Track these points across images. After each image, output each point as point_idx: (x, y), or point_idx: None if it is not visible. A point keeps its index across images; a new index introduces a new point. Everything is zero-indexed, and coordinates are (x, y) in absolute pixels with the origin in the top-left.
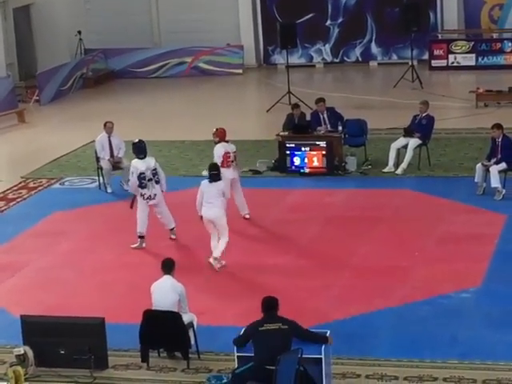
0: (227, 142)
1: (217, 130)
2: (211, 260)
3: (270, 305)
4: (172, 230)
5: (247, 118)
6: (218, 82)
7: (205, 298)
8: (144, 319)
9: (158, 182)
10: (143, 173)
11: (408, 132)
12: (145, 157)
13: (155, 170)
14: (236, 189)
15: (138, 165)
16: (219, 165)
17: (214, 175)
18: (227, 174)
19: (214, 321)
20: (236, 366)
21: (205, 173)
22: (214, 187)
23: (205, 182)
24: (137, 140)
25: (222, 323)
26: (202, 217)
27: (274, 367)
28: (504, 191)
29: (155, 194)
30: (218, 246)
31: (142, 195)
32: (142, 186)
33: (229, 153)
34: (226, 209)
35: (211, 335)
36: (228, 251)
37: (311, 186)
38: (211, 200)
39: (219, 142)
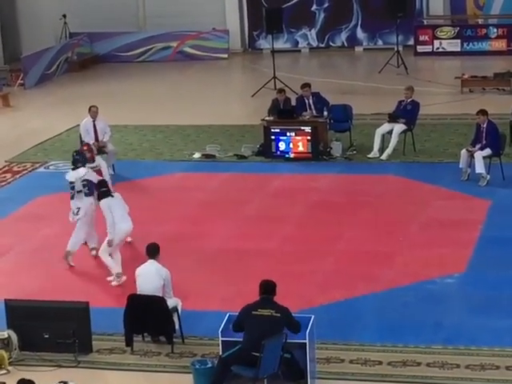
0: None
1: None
2: (116, 281)
3: (267, 288)
4: (92, 249)
5: (232, 103)
6: (203, 66)
7: (189, 283)
8: (128, 303)
9: (87, 195)
10: (72, 182)
11: (393, 117)
12: (76, 168)
13: (86, 180)
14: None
15: (68, 175)
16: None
17: (107, 191)
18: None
19: (199, 305)
20: (220, 350)
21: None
22: (117, 199)
23: (105, 200)
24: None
25: (207, 308)
26: (112, 241)
27: (259, 354)
28: (488, 177)
29: (78, 209)
30: (117, 262)
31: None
32: (71, 196)
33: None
34: None
35: (196, 320)
36: (214, 236)
37: (296, 171)
38: (124, 212)
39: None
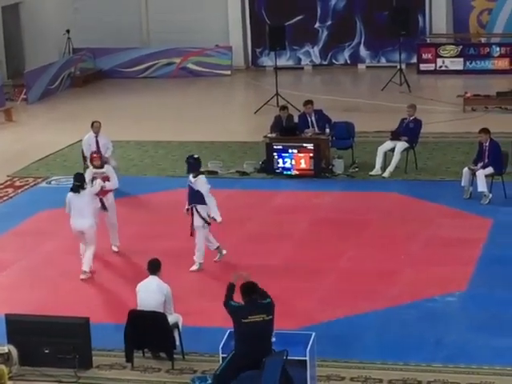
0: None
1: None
2: (83, 275)
3: (249, 290)
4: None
5: (235, 120)
6: (206, 83)
7: (190, 299)
8: (129, 319)
9: None
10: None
11: (395, 135)
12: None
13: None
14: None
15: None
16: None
17: (77, 187)
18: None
19: (200, 322)
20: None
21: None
22: (82, 197)
23: (70, 193)
24: (195, 156)
25: (208, 324)
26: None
27: (257, 357)
28: (490, 195)
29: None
30: (85, 259)
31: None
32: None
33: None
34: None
35: (196, 336)
36: (215, 252)
37: (298, 188)
38: (83, 210)
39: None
